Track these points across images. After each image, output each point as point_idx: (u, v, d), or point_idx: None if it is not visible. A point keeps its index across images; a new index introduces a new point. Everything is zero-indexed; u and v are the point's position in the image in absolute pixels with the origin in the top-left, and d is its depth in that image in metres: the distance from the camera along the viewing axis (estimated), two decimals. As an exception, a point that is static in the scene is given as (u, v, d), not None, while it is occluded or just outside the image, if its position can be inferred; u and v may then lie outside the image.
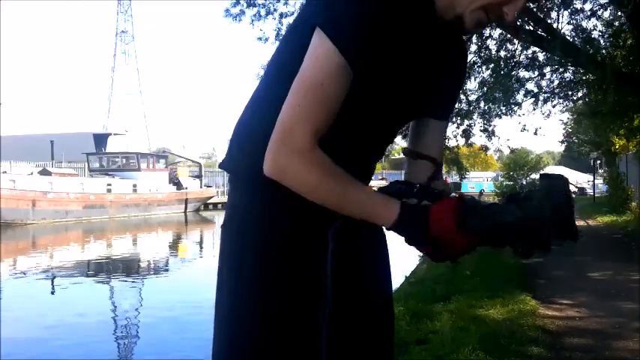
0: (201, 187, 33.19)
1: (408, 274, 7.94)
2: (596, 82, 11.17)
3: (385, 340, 1.29)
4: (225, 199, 36.64)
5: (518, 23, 10.14)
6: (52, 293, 10.36)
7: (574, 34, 10.74)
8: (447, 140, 12.83)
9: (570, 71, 12.48)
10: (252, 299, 1.18)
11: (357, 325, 1.23)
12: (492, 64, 11.50)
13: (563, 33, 10.38)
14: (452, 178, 41.43)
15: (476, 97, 12.08)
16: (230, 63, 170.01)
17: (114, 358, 6.47)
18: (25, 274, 12.10)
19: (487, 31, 11.37)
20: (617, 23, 11.02)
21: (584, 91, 13.55)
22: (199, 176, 33.97)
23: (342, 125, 1.16)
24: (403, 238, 1.09)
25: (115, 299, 9.76)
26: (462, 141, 12.94)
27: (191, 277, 11.87)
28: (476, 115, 12.52)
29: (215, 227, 26.46)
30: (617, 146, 18.07)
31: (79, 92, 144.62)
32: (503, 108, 12.51)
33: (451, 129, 12.25)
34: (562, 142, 30.51)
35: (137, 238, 20.86)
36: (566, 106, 15.93)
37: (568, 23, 10.94)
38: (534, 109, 13.14)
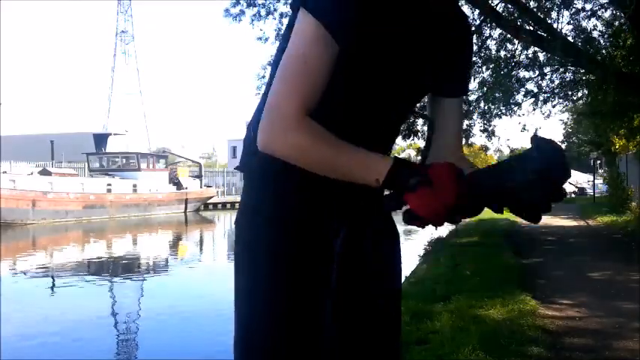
0: (201, 187, 33.20)
1: (408, 274, 7.95)
2: (596, 82, 11.18)
3: (391, 341, 1.28)
4: (225, 199, 36.76)
5: (519, 23, 10.15)
6: (52, 293, 10.36)
7: (574, 34, 10.76)
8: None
9: (570, 71, 12.49)
10: (262, 296, 1.20)
11: (360, 325, 1.23)
12: (492, 64, 11.51)
13: (565, 33, 10.39)
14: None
15: (476, 97, 12.08)
16: (230, 63, 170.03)
17: (114, 358, 6.47)
18: (25, 274, 12.10)
19: (487, 31, 11.38)
20: (617, 23, 11.03)
21: (584, 91, 13.57)
22: (199, 176, 33.97)
23: (344, 104, 1.17)
24: (398, 206, 1.04)
25: (115, 299, 9.76)
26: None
27: (191, 277, 11.88)
28: (476, 115, 12.54)
29: (215, 227, 26.47)
30: (617, 146, 18.06)
31: (79, 92, 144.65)
32: (503, 108, 12.53)
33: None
34: (562, 142, 30.52)
35: (137, 238, 20.86)
36: (566, 106, 15.96)
37: (568, 23, 10.95)
38: (534, 109, 13.17)
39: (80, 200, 25.37)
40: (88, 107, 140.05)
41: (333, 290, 1.18)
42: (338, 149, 1.06)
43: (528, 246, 10.21)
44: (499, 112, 12.63)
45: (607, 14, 11.25)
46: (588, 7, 10.99)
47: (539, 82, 12.50)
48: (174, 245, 19.23)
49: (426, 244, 11.21)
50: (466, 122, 12.27)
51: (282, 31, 1.31)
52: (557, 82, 12.94)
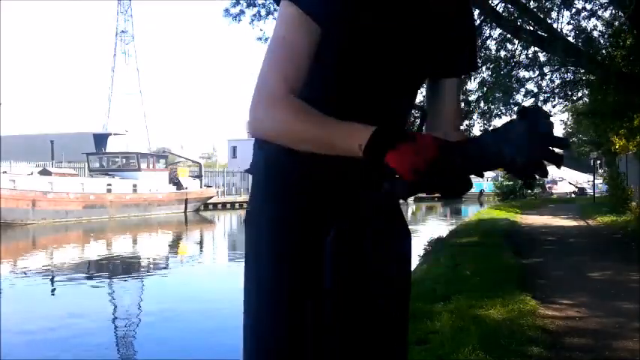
0: (201, 187, 33.19)
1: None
2: (597, 82, 11.18)
3: (392, 341, 1.27)
4: (225, 199, 36.73)
5: (519, 23, 10.16)
6: (52, 293, 10.37)
7: (574, 34, 10.76)
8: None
9: (570, 71, 12.50)
10: (265, 297, 1.24)
11: (359, 325, 1.23)
12: (492, 64, 11.50)
13: (565, 33, 10.39)
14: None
15: (476, 97, 12.09)
16: (230, 63, 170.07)
17: (114, 358, 6.48)
18: (25, 274, 12.11)
19: (487, 31, 11.38)
20: (617, 23, 11.03)
21: (584, 91, 13.56)
22: (199, 176, 33.97)
23: (339, 89, 1.18)
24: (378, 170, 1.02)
25: (115, 299, 9.77)
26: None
27: (191, 277, 11.88)
28: (476, 115, 12.53)
29: (215, 227, 26.48)
30: (617, 146, 18.04)
31: (79, 92, 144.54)
32: (503, 108, 12.52)
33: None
34: (562, 142, 30.42)
35: (137, 238, 20.86)
36: (566, 106, 15.95)
37: (568, 23, 10.96)
38: (534, 109, 13.15)
39: (80, 200, 25.37)
40: (88, 107, 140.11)
41: (330, 290, 1.18)
42: (321, 121, 1.07)
43: (528, 246, 10.20)
44: (499, 112, 12.63)
45: (607, 14, 11.26)
46: (588, 7, 11.00)
47: (539, 82, 12.51)
48: (174, 245, 19.23)
49: (426, 244, 11.20)
50: (466, 122, 12.28)
51: None
52: (557, 82, 12.95)
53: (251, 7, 11.12)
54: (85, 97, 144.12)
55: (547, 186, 41.78)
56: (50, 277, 11.78)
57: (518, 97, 12.57)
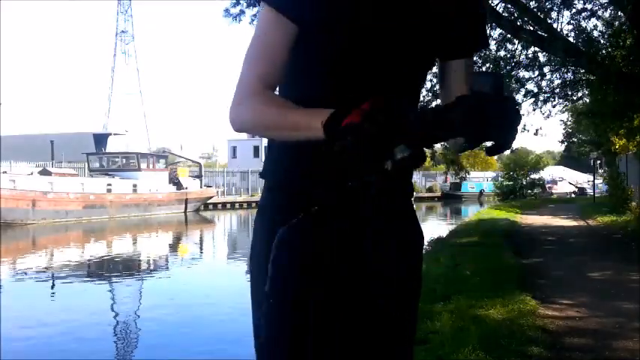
0: (201, 187, 33.17)
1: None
2: (597, 82, 11.17)
3: (393, 342, 1.26)
4: (225, 199, 36.70)
5: (519, 23, 10.16)
6: (52, 293, 10.37)
7: (574, 34, 10.76)
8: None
9: (570, 71, 12.49)
10: (266, 299, 1.22)
11: (358, 325, 1.23)
12: (492, 64, 11.50)
13: (565, 33, 10.39)
14: (452, 178, 41.54)
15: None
16: (230, 63, 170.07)
17: (114, 358, 6.48)
18: (25, 274, 12.11)
19: (487, 31, 11.37)
20: (617, 23, 11.03)
21: (584, 91, 13.56)
22: (199, 176, 33.95)
23: (339, 87, 1.18)
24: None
25: (115, 299, 9.76)
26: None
27: (191, 277, 11.88)
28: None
29: (215, 227, 26.47)
30: (617, 146, 18.04)
31: (79, 92, 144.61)
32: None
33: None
34: (562, 142, 30.48)
35: (137, 238, 20.86)
36: (566, 106, 15.94)
37: (568, 23, 10.96)
38: (534, 109, 13.16)
39: (80, 200, 25.37)
40: (88, 107, 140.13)
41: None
42: (288, 108, 1.12)
43: (528, 246, 10.21)
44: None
45: (607, 14, 11.26)
46: (588, 7, 11.00)
47: (539, 82, 12.51)
48: (174, 245, 19.23)
49: (426, 244, 11.20)
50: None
51: None
52: (557, 82, 12.95)
53: (251, 7, 11.11)
54: (85, 97, 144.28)
55: (547, 186, 41.79)
56: (50, 277, 11.78)
57: (518, 97, 12.56)
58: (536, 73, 12.18)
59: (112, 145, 32.81)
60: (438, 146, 12.77)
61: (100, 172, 29.02)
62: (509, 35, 10.86)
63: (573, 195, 40.42)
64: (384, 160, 0.94)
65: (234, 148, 46.30)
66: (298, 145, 1.12)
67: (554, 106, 13.77)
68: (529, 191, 36.39)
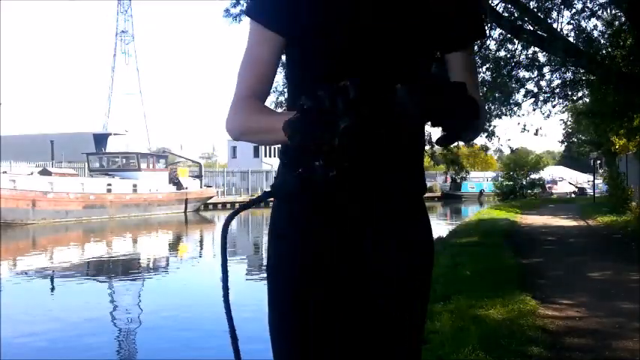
0: (201, 187, 33.17)
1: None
2: (597, 82, 11.17)
3: (394, 342, 1.25)
4: (225, 199, 36.65)
5: (519, 23, 10.16)
6: (52, 293, 10.37)
7: (574, 34, 10.76)
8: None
9: (570, 71, 12.49)
10: (273, 313, 1.27)
11: (357, 324, 1.23)
12: (492, 64, 11.50)
13: (565, 33, 10.39)
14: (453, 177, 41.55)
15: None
16: (230, 63, 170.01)
17: (114, 358, 6.48)
18: (25, 273, 12.11)
19: (487, 31, 11.37)
20: (617, 23, 11.03)
21: (584, 91, 13.56)
22: (199, 176, 33.95)
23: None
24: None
25: (115, 299, 9.76)
26: (461, 141, 12.92)
27: (191, 277, 11.88)
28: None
29: (215, 227, 26.47)
30: (617, 146, 18.05)
31: (79, 92, 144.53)
32: (503, 108, 12.52)
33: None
34: (562, 142, 30.47)
35: (137, 238, 20.86)
36: (566, 106, 15.95)
37: (568, 23, 10.96)
38: (534, 109, 13.16)
39: (80, 200, 25.37)
40: (88, 107, 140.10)
41: (327, 292, 1.21)
42: (267, 113, 1.20)
43: (528, 246, 10.21)
44: (499, 112, 12.62)
45: (607, 14, 11.26)
46: (589, 5, 10.99)
47: (539, 82, 12.51)
48: (174, 245, 19.23)
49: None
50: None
51: None
52: (557, 82, 12.95)
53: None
54: (85, 97, 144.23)
55: (547, 186, 41.80)
56: (50, 277, 11.78)
57: (518, 97, 12.57)
58: (536, 73, 12.18)
59: (112, 145, 32.80)
60: (437, 146, 12.77)
61: (100, 172, 29.02)
62: (509, 35, 10.86)
63: (573, 195, 40.40)
64: (324, 133, 0.93)
65: (234, 148, 46.33)
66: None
67: (554, 106, 13.79)
68: (529, 191, 36.40)
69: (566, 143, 31.33)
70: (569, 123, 25.21)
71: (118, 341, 7.12)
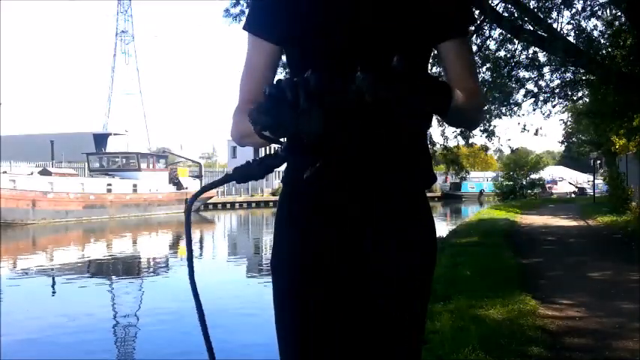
0: (201, 187, 33.18)
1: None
2: (597, 82, 11.17)
3: (394, 341, 1.25)
4: (225, 199, 36.62)
5: (519, 23, 10.16)
6: (52, 293, 10.36)
7: (575, 34, 10.76)
8: (446, 140, 12.83)
9: (570, 71, 12.49)
10: (276, 307, 1.28)
11: (357, 324, 1.23)
12: (492, 64, 11.50)
13: (565, 33, 10.39)
14: (452, 177, 41.53)
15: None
16: (230, 63, 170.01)
17: (114, 358, 6.47)
18: (25, 274, 12.10)
19: (487, 31, 11.38)
20: (617, 23, 11.02)
21: (584, 91, 13.56)
22: (199, 176, 33.94)
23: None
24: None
25: (115, 299, 9.76)
26: (462, 141, 12.94)
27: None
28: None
29: (215, 227, 26.47)
30: (617, 146, 18.05)
31: (79, 92, 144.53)
32: (503, 108, 12.52)
33: (451, 129, 12.25)
34: (562, 142, 30.50)
35: (137, 238, 20.86)
36: (566, 106, 15.95)
37: (568, 23, 10.96)
38: (534, 109, 13.16)
39: (80, 200, 25.37)
40: (88, 107, 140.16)
41: (327, 292, 1.22)
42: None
43: (528, 246, 10.21)
44: (499, 112, 12.62)
45: (607, 14, 11.25)
46: (589, 4, 10.99)
47: (539, 82, 12.51)
48: (174, 245, 19.23)
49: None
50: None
51: None
52: (557, 82, 12.95)
53: (251, 8, 11.11)
54: (85, 97, 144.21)
55: (547, 186, 41.81)
56: (50, 277, 11.77)
57: (518, 97, 12.57)
58: (536, 73, 12.18)
59: (112, 145, 32.80)
60: (437, 147, 12.77)
61: (100, 172, 29.03)
62: (509, 35, 10.86)
63: (573, 195, 40.41)
64: (285, 117, 0.95)
65: (234, 148, 46.27)
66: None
67: (554, 106, 13.79)
68: (529, 191, 36.40)
69: (566, 143, 31.37)
70: (569, 123, 25.22)
71: (118, 341, 7.12)
